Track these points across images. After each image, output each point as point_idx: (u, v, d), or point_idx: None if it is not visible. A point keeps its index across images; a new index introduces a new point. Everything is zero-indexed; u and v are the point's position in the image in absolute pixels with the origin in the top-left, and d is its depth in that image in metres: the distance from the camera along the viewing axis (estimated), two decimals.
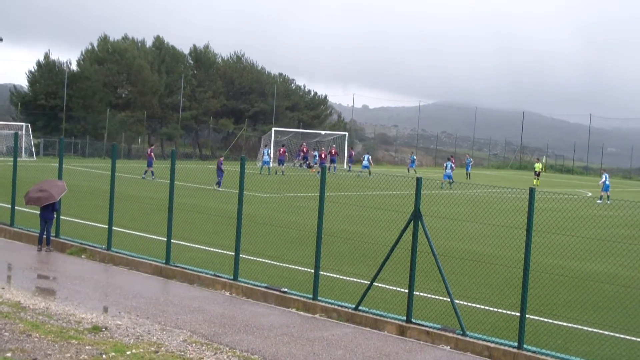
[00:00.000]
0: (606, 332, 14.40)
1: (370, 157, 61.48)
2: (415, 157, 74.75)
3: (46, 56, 73.74)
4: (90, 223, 23.98)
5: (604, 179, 47.93)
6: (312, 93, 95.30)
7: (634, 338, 14.08)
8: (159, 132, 79.60)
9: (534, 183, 59.68)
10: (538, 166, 65.60)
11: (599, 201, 45.55)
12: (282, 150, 59.24)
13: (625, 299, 17.36)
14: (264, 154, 57.96)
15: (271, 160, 56.85)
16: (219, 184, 40.18)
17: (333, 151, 62.99)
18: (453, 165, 53.92)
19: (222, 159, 45.43)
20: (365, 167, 59.11)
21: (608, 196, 46.37)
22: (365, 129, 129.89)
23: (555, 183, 63.37)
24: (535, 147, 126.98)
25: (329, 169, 56.86)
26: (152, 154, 46.25)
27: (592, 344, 13.64)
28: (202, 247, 20.87)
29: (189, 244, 20.90)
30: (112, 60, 75.20)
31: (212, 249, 20.54)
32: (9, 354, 10.58)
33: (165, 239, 18.45)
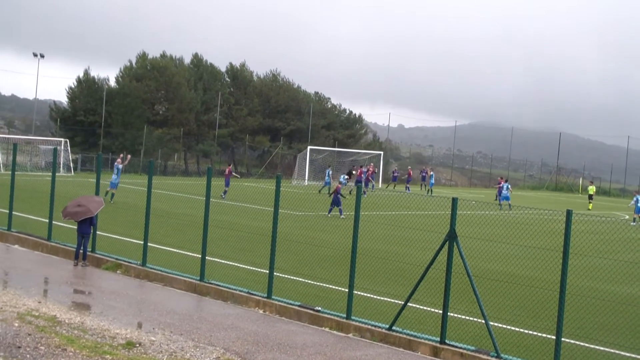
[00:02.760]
0: None
1: (509, 186, 54.58)
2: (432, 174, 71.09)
3: (86, 73, 74.77)
4: (125, 239, 24.16)
5: (634, 201, 47.64)
6: (348, 112, 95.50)
7: None
8: (195, 149, 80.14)
9: (589, 207, 59.28)
10: (592, 189, 64.16)
11: (632, 223, 45.08)
12: (359, 171, 59.12)
13: None
14: (326, 174, 57.70)
15: (332, 180, 56.05)
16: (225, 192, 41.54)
17: (371, 169, 62.05)
18: (509, 186, 53.60)
19: (230, 167, 46.13)
20: (506, 197, 52.11)
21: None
22: (400, 148, 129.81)
23: (592, 205, 62.66)
24: (572, 169, 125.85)
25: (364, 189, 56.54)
26: (230, 174, 46.00)
27: None
28: (235, 264, 20.92)
29: (222, 261, 20.96)
30: (151, 77, 75.99)
31: (245, 266, 20.59)
32: None
33: (200, 256, 18.53)
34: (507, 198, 51.42)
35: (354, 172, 60.40)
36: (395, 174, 71.26)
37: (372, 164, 68.37)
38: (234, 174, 46.44)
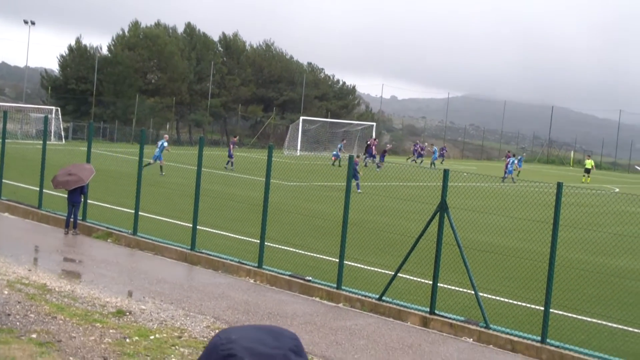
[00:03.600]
0: (630, 329, 14.30)
1: (515, 161, 55.99)
2: (436, 149, 71.31)
3: (77, 41, 74.24)
4: (116, 207, 24.14)
5: None
6: (341, 83, 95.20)
7: None
8: (187, 119, 79.91)
9: (583, 180, 59.11)
10: (589, 163, 63.62)
11: None
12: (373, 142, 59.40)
13: None
14: (338, 148, 57.53)
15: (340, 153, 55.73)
16: (231, 163, 41.56)
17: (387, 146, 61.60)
18: (515, 161, 55.22)
19: (236, 138, 46.21)
20: (510, 172, 53.43)
21: None
22: (393, 119, 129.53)
23: (581, 177, 62.80)
24: (563, 142, 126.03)
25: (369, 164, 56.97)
26: (233, 145, 46.15)
27: (615, 340, 13.56)
28: (227, 233, 20.94)
29: (214, 231, 20.97)
30: (143, 46, 75.53)
31: (237, 236, 20.61)
32: (34, 335, 10.70)
33: (191, 225, 18.54)
34: (510, 172, 52.95)
35: (368, 142, 60.44)
36: (417, 148, 70.65)
37: (375, 138, 67.91)
38: (233, 146, 46.32)
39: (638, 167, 49.67)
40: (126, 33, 78.15)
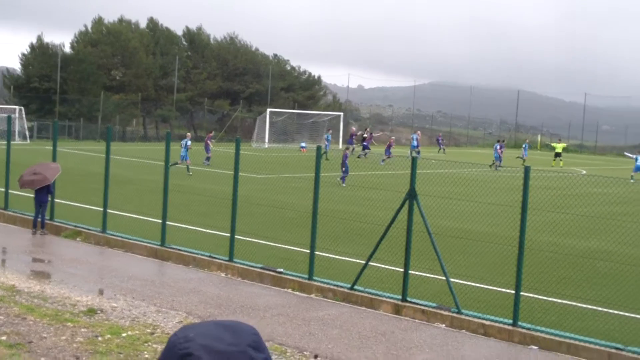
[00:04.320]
0: (599, 308, 14.46)
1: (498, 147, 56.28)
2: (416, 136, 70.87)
3: (39, 39, 73.45)
4: (85, 206, 23.95)
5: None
6: (307, 74, 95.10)
7: (627, 313, 14.14)
8: (153, 114, 79.44)
9: (553, 164, 59.23)
10: (560, 146, 62.99)
11: (632, 180, 45.79)
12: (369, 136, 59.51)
13: (618, 275, 17.42)
14: (326, 139, 57.17)
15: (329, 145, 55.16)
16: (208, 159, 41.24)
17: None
18: (498, 147, 55.85)
19: (211, 134, 45.81)
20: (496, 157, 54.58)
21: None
22: (360, 109, 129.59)
23: (551, 161, 63.31)
24: (530, 126, 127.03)
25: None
26: (210, 141, 45.56)
27: (585, 320, 13.70)
28: (197, 228, 20.87)
29: (184, 226, 20.90)
30: (107, 42, 74.90)
31: (207, 231, 20.55)
32: (4, 337, 10.60)
33: (161, 221, 18.45)
34: (496, 158, 53.75)
35: (365, 135, 60.32)
36: (440, 140, 70.37)
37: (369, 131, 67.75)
38: (210, 141, 45.83)
39: (628, 154, 50.50)
40: (89, 29, 77.46)
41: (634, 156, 50.53)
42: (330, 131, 63.33)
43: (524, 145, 64.93)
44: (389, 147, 56.44)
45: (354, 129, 66.42)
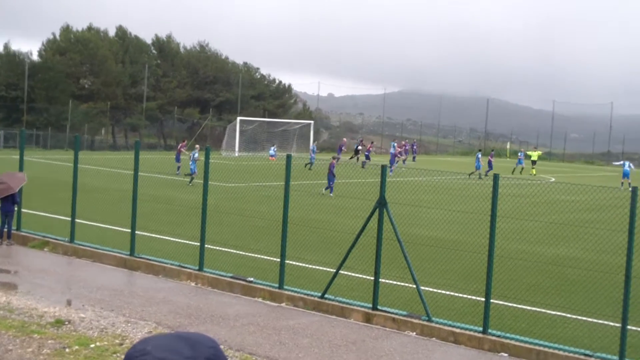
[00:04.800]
0: (569, 315, 14.55)
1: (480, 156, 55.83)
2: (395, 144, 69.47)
3: (6, 47, 72.78)
4: (53, 216, 23.70)
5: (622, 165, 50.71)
6: (277, 82, 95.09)
7: (595, 320, 14.22)
8: (123, 123, 78.95)
9: (532, 173, 58.91)
10: (536, 154, 62.82)
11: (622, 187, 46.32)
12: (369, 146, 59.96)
13: (587, 282, 17.52)
14: (311, 150, 56.81)
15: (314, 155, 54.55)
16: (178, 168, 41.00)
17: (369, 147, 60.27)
18: (480, 155, 55.89)
19: (184, 142, 45.43)
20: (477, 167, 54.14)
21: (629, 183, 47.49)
22: (330, 117, 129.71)
23: (529, 169, 63.72)
24: (500, 134, 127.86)
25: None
26: (183, 149, 45.03)
27: (555, 327, 13.77)
28: (167, 237, 20.73)
29: (153, 235, 20.75)
30: (75, 51, 74.30)
31: (177, 240, 20.42)
32: None
33: (130, 231, 18.30)
34: (478, 168, 53.57)
35: (360, 147, 60.48)
36: (415, 148, 70.01)
37: (370, 141, 68.05)
38: (183, 150, 45.39)
39: (615, 163, 51.24)
40: (57, 37, 76.86)
41: (621, 162, 51.22)
42: (316, 142, 63.53)
43: (520, 153, 64.13)
44: (366, 152, 57.24)
45: (345, 139, 67.58)
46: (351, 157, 60.11)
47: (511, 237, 22.49)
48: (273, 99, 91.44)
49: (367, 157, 58.34)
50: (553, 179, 54.90)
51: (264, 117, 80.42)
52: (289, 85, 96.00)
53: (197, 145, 42.35)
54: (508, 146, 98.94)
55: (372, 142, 64.34)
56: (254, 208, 27.22)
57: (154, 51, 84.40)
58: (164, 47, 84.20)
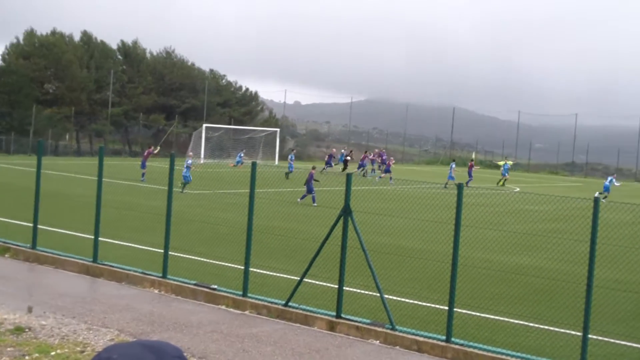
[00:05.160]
0: (531, 324, 14.65)
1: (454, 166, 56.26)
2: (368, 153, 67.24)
3: None
4: (14, 221, 23.42)
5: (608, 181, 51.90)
6: (244, 89, 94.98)
7: (558, 329, 14.33)
8: (87, 129, 78.35)
9: (500, 184, 58.39)
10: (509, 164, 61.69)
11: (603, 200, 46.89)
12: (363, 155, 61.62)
13: (550, 291, 17.67)
14: (289, 158, 56.83)
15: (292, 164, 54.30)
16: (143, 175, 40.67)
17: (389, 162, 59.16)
18: (454, 166, 56.01)
19: (151, 148, 44.93)
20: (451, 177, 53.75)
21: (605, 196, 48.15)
22: (297, 125, 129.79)
23: (485, 178, 64.21)
24: (466, 143, 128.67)
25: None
26: (149, 156, 44.17)
27: (518, 336, 13.85)
28: (130, 244, 20.58)
29: (117, 242, 20.59)
30: (39, 55, 73.63)
31: (141, 247, 20.28)
32: None
33: (93, 237, 18.13)
34: (451, 178, 53.04)
35: (348, 158, 60.81)
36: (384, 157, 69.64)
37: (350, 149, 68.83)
38: (153, 153, 44.92)
39: (615, 182, 51.75)
40: (21, 42, 76.13)
41: (610, 178, 52.04)
42: (294, 151, 63.30)
43: (504, 165, 61.97)
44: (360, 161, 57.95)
45: (334, 150, 68.23)
46: (343, 169, 59.49)
47: (476, 246, 22.62)
48: (239, 106, 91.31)
49: (362, 166, 59.26)
50: (518, 189, 55.34)
51: (230, 124, 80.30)
52: (256, 93, 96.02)
53: (191, 153, 42.19)
54: (473, 156, 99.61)
55: (365, 152, 65.09)
56: (219, 215, 27.11)
57: (119, 56, 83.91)
58: (130, 53, 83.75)
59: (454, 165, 55.60)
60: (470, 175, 55.97)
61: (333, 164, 60.54)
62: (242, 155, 60.21)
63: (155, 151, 45.19)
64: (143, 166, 42.52)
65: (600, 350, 13.43)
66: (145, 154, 44.50)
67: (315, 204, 32.93)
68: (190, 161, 38.13)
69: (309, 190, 33.97)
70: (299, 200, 33.64)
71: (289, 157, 58.10)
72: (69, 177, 41.00)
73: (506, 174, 60.29)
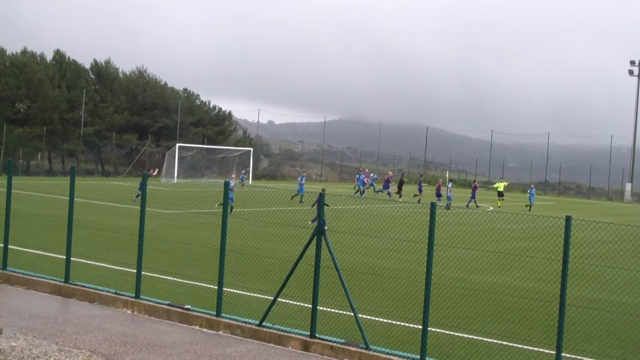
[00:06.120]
0: (505, 343, 14.66)
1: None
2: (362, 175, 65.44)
3: None
4: None
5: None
6: (217, 109, 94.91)
7: (532, 347, 14.36)
8: (59, 148, 77.87)
9: (499, 204, 57.67)
10: (501, 186, 60.96)
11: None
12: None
13: (524, 309, 17.73)
14: (299, 180, 54.77)
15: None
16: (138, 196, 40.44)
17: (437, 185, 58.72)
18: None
19: (152, 171, 44.85)
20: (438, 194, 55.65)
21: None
22: (270, 144, 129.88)
23: (458, 198, 64.44)
24: (439, 162, 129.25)
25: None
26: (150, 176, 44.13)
27: (492, 355, 13.85)
28: (103, 264, 20.41)
29: (89, 262, 20.41)
30: (10, 74, 73.11)
31: (113, 267, 20.11)
32: None
33: (65, 257, 17.96)
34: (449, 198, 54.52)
35: (405, 179, 61.37)
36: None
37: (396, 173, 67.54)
38: (152, 175, 44.90)
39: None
40: None
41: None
42: (305, 174, 61.10)
43: (530, 191, 61.45)
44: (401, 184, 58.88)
45: (390, 173, 67.57)
46: (397, 192, 59.28)
47: (450, 265, 22.66)
48: (213, 125, 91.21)
49: (386, 188, 59.25)
50: (491, 208, 55.63)
51: (204, 143, 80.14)
52: (229, 112, 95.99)
53: (234, 175, 42.28)
54: (447, 174, 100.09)
55: (421, 176, 64.75)
56: (193, 234, 26.98)
57: (92, 76, 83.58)
58: (103, 72, 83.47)
59: (450, 185, 56.13)
60: (473, 196, 56.40)
61: (390, 188, 59.58)
62: (244, 173, 59.07)
63: (154, 173, 45.28)
64: (141, 188, 42.30)
65: None
66: (149, 174, 44.39)
67: (325, 227, 32.32)
68: (233, 183, 38.31)
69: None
70: (310, 223, 32.99)
71: (299, 179, 55.35)
72: (41, 197, 40.65)
73: (533, 200, 59.81)
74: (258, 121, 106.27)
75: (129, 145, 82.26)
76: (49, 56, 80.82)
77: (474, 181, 64.37)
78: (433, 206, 13.75)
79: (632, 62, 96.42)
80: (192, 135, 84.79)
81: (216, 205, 34.42)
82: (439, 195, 55.32)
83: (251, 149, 76.75)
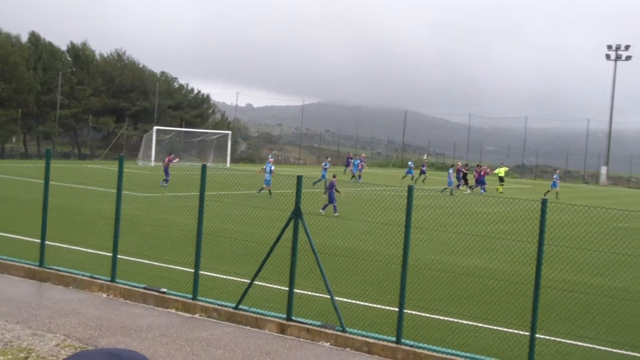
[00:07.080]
0: (481, 324, 14.75)
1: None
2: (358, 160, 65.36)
3: None
4: None
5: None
6: (195, 91, 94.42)
7: (507, 329, 14.44)
8: (35, 131, 77.19)
9: (500, 189, 55.97)
10: (502, 171, 60.44)
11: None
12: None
13: (499, 292, 17.79)
14: (323, 166, 54.11)
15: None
16: (166, 181, 41.50)
17: (483, 172, 57.57)
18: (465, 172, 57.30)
19: (171, 156, 45.14)
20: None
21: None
22: (249, 127, 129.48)
23: (436, 181, 64.65)
24: (417, 146, 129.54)
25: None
26: (170, 163, 44.55)
27: (468, 336, 13.93)
28: (78, 248, 20.29)
29: (65, 246, 20.27)
30: None
31: (89, 250, 20.00)
32: None
33: (39, 241, 17.83)
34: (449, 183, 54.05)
35: (466, 171, 58.47)
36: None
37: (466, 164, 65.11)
38: (173, 162, 45.09)
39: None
40: None
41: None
42: (329, 159, 58.57)
43: (555, 177, 58.85)
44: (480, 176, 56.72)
45: (459, 163, 63.47)
46: (458, 185, 56.46)
47: (427, 248, 22.73)
48: (191, 108, 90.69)
49: (482, 182, 56.51)
50: (468, 191, 55.80)
51: (182, 126, 79.71)
52: (208, 95, 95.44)
53: (272, 158, 42.30)
54: (425, 157, 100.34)
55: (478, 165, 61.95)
56: (169, 218, 26.88)
57: (68, 58, 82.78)
58: (79, 54, 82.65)
59: (451, 171, 56.00)
60: (484, 181, 56.16)
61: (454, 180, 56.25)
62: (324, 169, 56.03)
63: (176, 160, 45.64)
64: (166, 174, 42.85)
65: (548, 349, 13.58)
66: (166, 161, 44.50)
67: (336, 214, 32.11)
68: (273, 167, 39.60)
69: (331, 200, 33.07)
70: (321, 210, 32.74)
71: (323, 164, 54.46)
72: (15, 181, 40.31)
73: (556, 186, 56.83)
74: (237, 104, 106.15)
75: (106, 129, 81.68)
76: (24, 38, 80.00)
77: (478, 165, 62.94)
78: (410, 189, 13.77)
79: (609, 47, 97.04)
80: (170, 119, 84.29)
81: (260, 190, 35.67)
82: (481, 182, 55.48)
83: (229, 132, 76.44)
